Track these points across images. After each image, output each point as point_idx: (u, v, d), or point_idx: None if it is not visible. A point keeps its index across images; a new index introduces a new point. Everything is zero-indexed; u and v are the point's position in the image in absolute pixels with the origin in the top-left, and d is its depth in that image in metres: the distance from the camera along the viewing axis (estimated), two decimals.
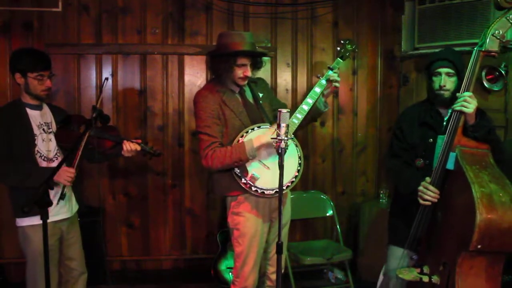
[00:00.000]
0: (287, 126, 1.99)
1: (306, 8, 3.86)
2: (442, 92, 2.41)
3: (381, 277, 2.76)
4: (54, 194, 2.50)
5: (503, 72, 3.09)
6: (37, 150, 2.53)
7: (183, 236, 3.90)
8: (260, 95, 2.67)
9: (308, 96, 2.55)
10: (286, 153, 2.01)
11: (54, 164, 2.55)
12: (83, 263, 2.77)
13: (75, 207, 2.76)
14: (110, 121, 2.69)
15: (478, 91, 3.02)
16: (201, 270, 3.81)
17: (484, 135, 2.26)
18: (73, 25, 3.63)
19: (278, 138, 1.98)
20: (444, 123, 2.46)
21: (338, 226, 3.74)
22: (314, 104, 2.57)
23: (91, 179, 3.72)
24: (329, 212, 3.79)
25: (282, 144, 1.98)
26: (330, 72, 2.57)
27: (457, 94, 2.27)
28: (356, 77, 3.98)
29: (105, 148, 2.64)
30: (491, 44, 2.19)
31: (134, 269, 3.91)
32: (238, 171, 2.44)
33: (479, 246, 2.00)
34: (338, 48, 2.71)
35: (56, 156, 2.62)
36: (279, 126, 1.98)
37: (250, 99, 2.64)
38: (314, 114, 2.65)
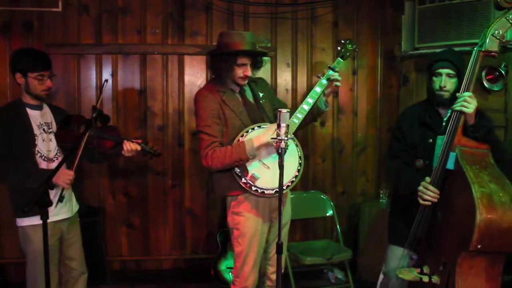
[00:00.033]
0: (287, 126, 1.99)
1: (306, 8, 3.86)
2: (442, 93, 2.42)
3: (381, 277, 2.76)
4: (53, 195, 2.50)
5: (503, 72, 3.10)
6: (37, 150, 2.53)
7: (183, 236, 3.90)
8: (261, 94, 2.67)
9: (308, 96, 2.55)
10: (286, 153, 2.01)
11: (54, 164, 2.55)
12: (83, 263, 2.77)
13: (75, 207, 2.76)
14: (110, 121, 2.70)
15: (478, 91, 3.02)
16: (201, 270, 3.81)
17: (484, 135, 2.26)
18: (73, 25, 3.63)
19: (278, 138, 1.98)
20: (444, 123, 2.46)
21: (338, 226, 3.74)
22: (315, 103, 2.57)
23: (91, 179, 3.72)
24: (329, 212, 3.79)
25: (282, 144, 1.98)
26: (331, 72, 2.57)
27: (457, 94, 2.27)
28: (356, 77, 3.98)
29: (105, 148, 2.64)
30: (491, 44, 2.19)
31: (134, 269, 3.91)
32: (238, 170, 2.44)
33: (479, 246, 2.01)
34: (339, 48, 2.71)
35: (56, 156, 2.62)
36: (279, 126, 1.98)
37: (251, 99, 2.64)
38: (315, 114, 2.66)
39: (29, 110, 2.56)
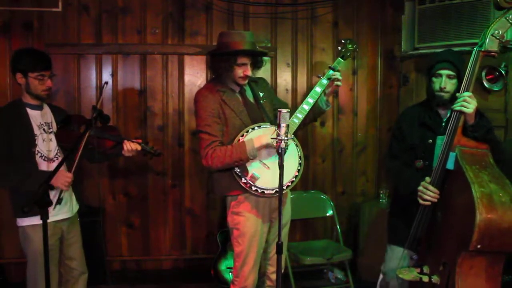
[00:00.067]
0: (287, 126, 1.99)
1: (306, 8, 3.86)
2: (442, 94, 2.42)
3: (381, 277, 2.76)
4: (52, 196, 2.49)
5: (503, 72, 3.10)
6: (38, 150, 2.53)
7: (183, 236, 3.90)
8: (261, 94, 2.67)
9: (309, 96, 2.56)
10: (286, 153, 2.02)
11: (55, 164, 2.55)
12: (84, 263, 2.78)
13: (75, 207, 2.76)
14: (110, 121, 2.70)
15: (478, 91, 3.02)
16: (201, 270, 3.81)
17: (483, 135, 2.26)
18: (73, 25, 3.63)
19: (278, 138, 1.98)
20: (443, 124, 2.46)
21: (338, 226, 3.74)
22: (315, 103, 2.57)
23: (91, 179, 3.72)
24: (329, 212, 3.79)
25: (282, 144, 1.98)
26: (331, 72, 2.57)
27: (457, 94, 2.27)
28: (356, 77, 3.98)
29: (105, 148, 2.64)
30: (491, 44, 2.19)
31: (134, 269, 3.91)
32: (238, 170, 2.44)
33: (479, 246, 2.01)
34: (339, 48, 2.72)
35: (57, 156, 2.62)
36: (279, 126, 1.99)
37: (251, 99, 2.64)
38: (315, 113, 2.66)
39: (29, 110, 2.56)
